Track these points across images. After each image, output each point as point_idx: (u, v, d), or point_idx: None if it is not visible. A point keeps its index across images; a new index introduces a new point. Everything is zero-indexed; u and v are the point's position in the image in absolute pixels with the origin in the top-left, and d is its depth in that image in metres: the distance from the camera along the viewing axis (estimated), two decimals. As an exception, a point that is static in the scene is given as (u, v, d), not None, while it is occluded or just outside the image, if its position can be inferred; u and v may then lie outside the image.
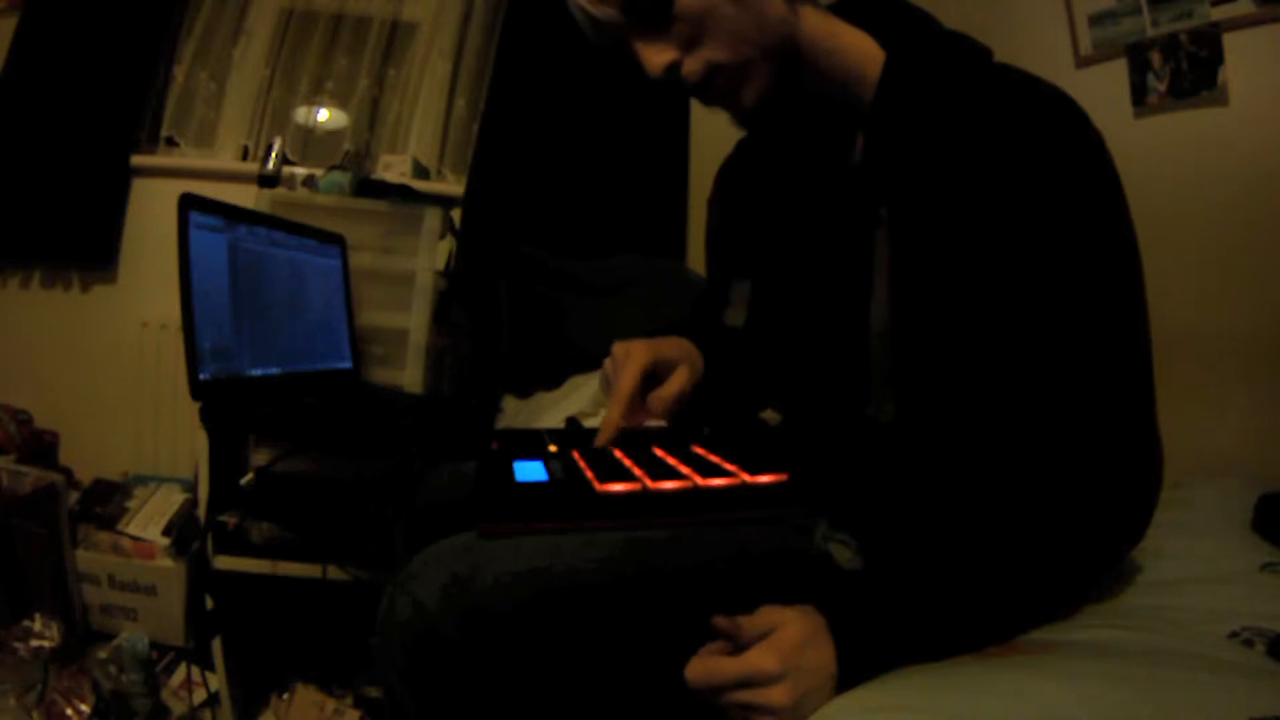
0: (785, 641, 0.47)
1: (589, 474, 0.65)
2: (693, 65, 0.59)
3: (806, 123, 0.67)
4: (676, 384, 0.73)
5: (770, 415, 0.91)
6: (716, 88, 0.61)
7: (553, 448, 0.76)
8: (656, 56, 0.59)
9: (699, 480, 0.64)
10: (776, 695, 0.46)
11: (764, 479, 0.65)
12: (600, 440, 0.66)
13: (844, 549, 0.62)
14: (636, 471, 0.66)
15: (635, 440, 0.79)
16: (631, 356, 0.71)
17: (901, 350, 0.60)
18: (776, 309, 0.74)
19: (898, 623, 0.50)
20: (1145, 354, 0.55)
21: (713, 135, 2.16)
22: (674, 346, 0.76)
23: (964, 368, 0.59)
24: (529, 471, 0.67)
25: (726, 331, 0.79)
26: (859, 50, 0.62)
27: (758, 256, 0.76)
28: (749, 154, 0.81)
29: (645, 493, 0.62)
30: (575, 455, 0.72)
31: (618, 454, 0.72)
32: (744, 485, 0.64)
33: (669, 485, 0.63)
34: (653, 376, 0.73)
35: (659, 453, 0.73)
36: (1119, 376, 0.54)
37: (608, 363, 0.75)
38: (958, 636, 0.51)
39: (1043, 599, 0.55)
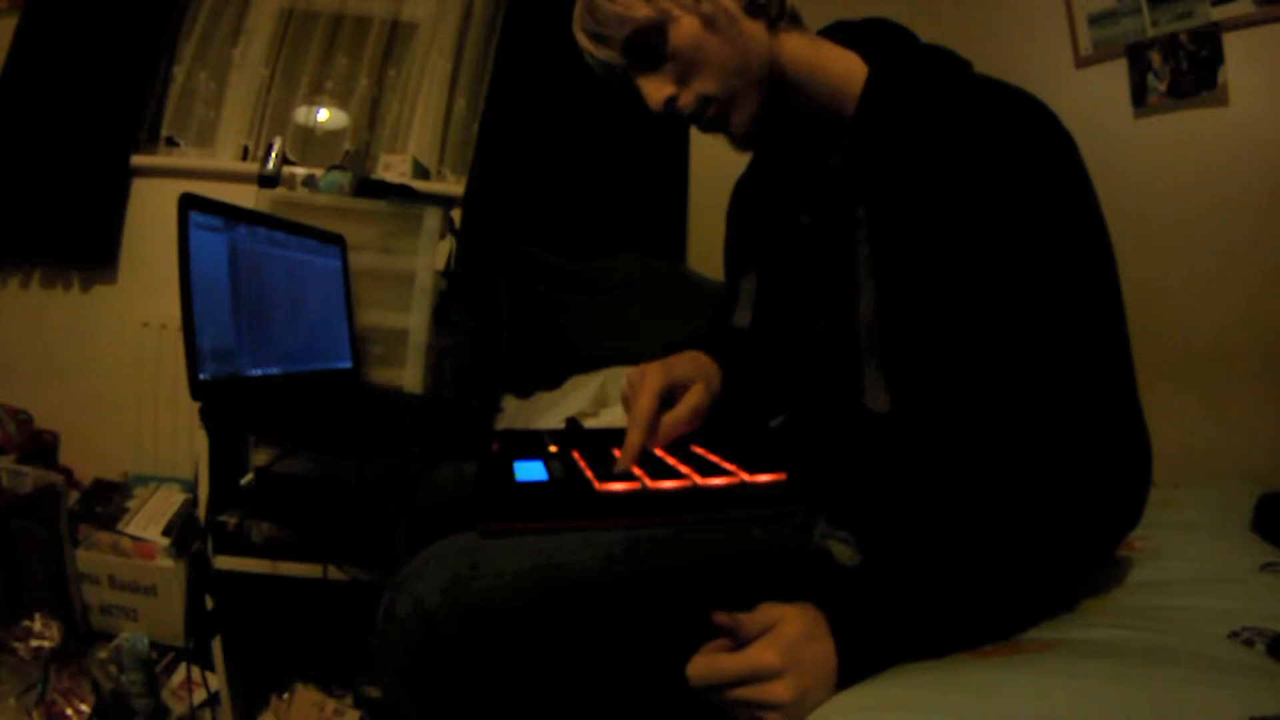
0: (786, 637, 0.48)
1: (589, 473, 0.66)
2: (687, 98, 0.66)
3: (796, 138, 0.72)
4: (688, 404, 0.73)
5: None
6: (709, 117, 0.67)
7: (553, 448, 0.76)
8: (656, 92, 0.66)
9: (698, 479, 0.64)
10: (779, 690, 0.46)
11: (762, 478, 0.65)
12: (621, 465, 0.66)
13: (844, 547, 0.62)
14: (636, 470, 0.66)
15: None
16: (647, 378, 0.71)
17: (890, 341, 0.64)
18: (777, 309, 0.78)
19: (897, 619, 0.50)
20: (1122, 336, 0.58)
21: (713, 135, 2.16)
22: (688, 364, 0.76)
23: (949, 356, 0.61)
24: (529, 471, 0.67)
25: (736, 333, 0.82)
26: (843, 68, 0.68)
27: (762, 260, 0.80)
28: (758, 168, 0.86)
29: (645, 492, 0.62)
30: (575, 455, 0.72)
31: (617, 454, 0.72)
32: (743, 484, 0.64)
33: (668, 484, 0.63)
34: (669, 397, 0.73)
35: (658, 452, 0.73)
36: (1097, 356, 0.56)
37: (626, 387, 0.76)
38: (957, 632, 0.51)
39: (1042, 588, 0.56)
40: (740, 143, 0.71)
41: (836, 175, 0.69)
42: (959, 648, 0.50)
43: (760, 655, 0.47)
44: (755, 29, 0.65)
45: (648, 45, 0.64)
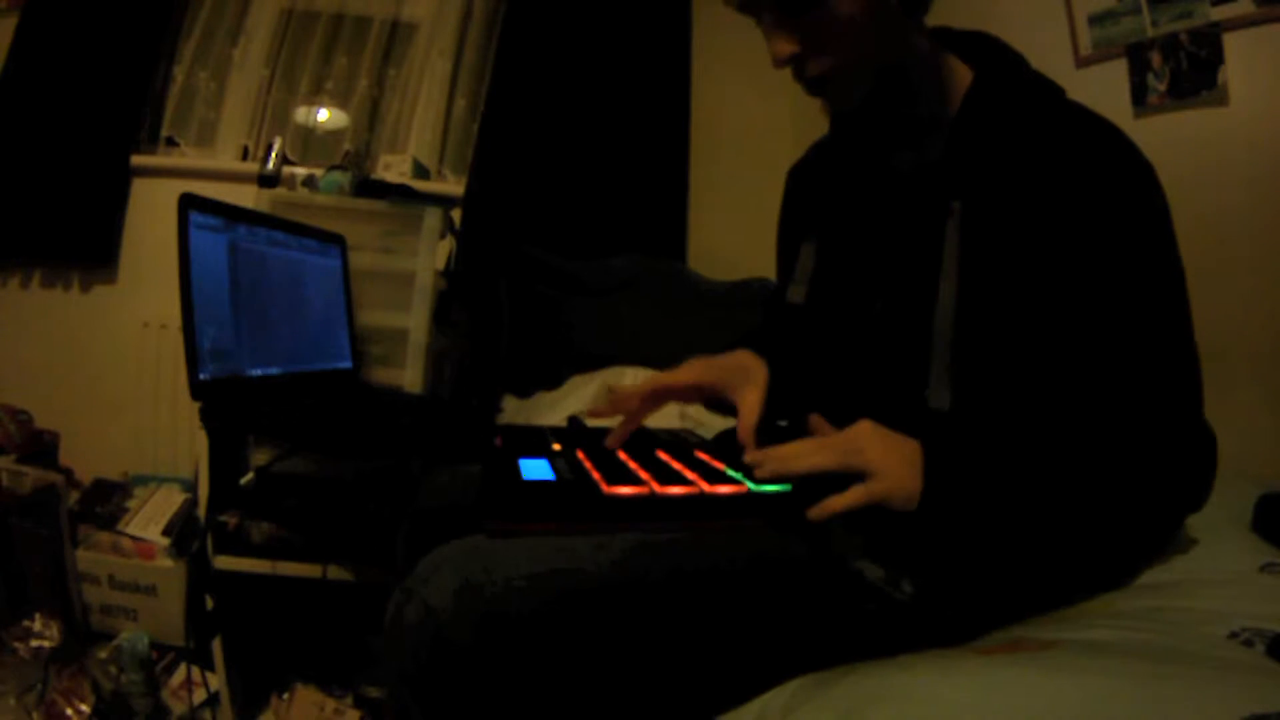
0: (869, 426, 0.59)
1: (595, 475, 0.65)
2: (815, 68, 0.64)
3: (892, 125, 0.72)
4: (755, 410, 0.74)
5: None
6: (827, 89, 0.66)
7: (556, 446, 0.76)
8: (783, 46, 0.64)
9: (705, 487, 0.64)
10: (869, 455, 0.56)
11: (768, 488, 0.65)
12: (610, 443, 0.70)
13: (858, 552, 0.62)
14: (643, 475, 0.65)
15: (639, 443, 0.79)
16: (684, 369, 0.76)
17: (964, 334, 0.64)
18: (835, 287, 0.77)
19: (983, 456, 0.57)
20: (1192, 352, 0.61)
21: (713, 135, 2.17)
22: (734, 364, 0.78)
23: (1022, 352, 0.63)
24: (535, 470, 0.67)
25: (789, 311, 0.82)
26: (951, 71, 0.70)
27: (823, 238, 0.80)
28: (823, 154, 0.86)
29: (653, 497, 0.61)
30: (580, 455, 0.72)
31: (623, 456, 0.72)
32: (749, 494, 0.64)
33: (676, 490, 0.62)
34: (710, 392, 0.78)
35: (663, 456, 0.73)
36: (1171, 361, 0.60)
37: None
38: (1030, 506, 0.56)
39: (1109, 525, 0.59)
40: (841, 116, 0.71)
41: (932, 166, 0.70)
42: (1025, 531, 0.57)
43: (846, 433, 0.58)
44: (902, 22, 0.65)
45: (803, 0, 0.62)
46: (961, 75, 0.69)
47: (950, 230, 0.65)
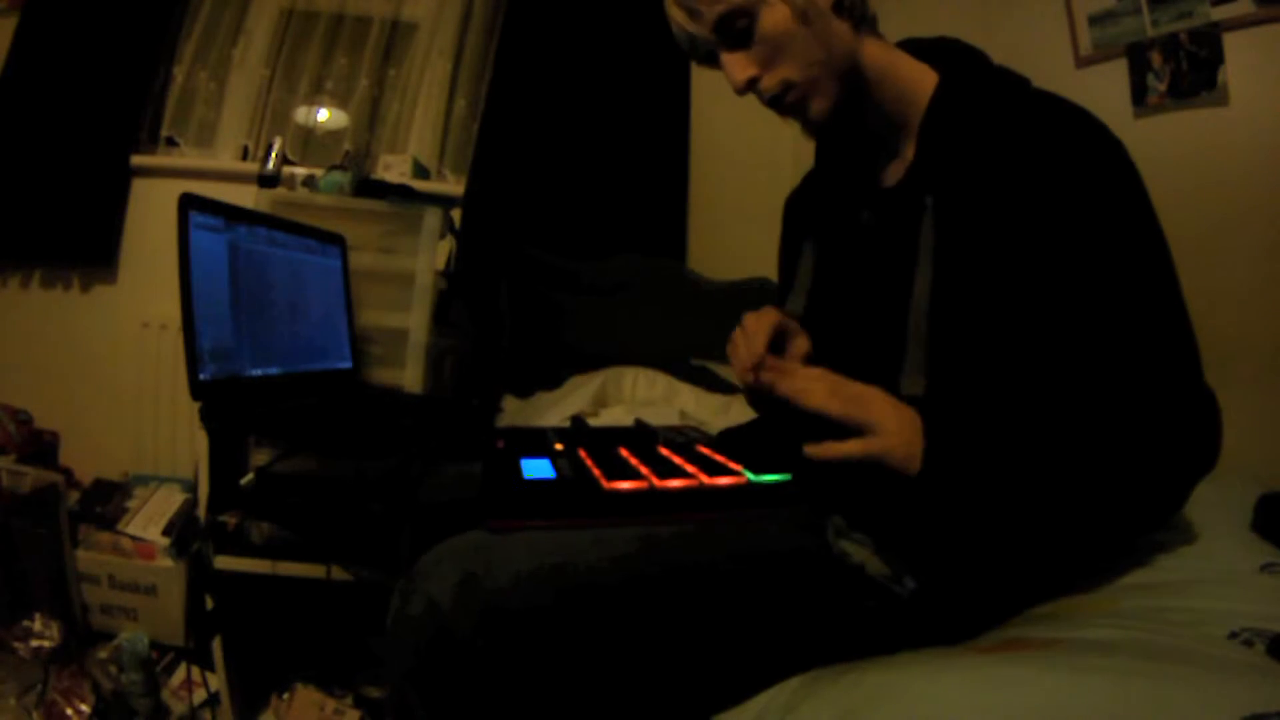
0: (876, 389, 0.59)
1: (596, 472, 0.66)
2: (770, 81, 0.68)
3: (865, 134, 0.75)
4: (806, 342, 0.75)
5: None
6: (789, 102, 0.69)
7: (558, 445, 0.76)
8: (740, 72, 0.68)
9: (704, 479, 0.64)
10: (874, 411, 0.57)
11: (768, 478, 0.65)
12: (746, 375, 0.67)
13: (860, 548, 0.62)
14: (643, 470, 0.66)
15: (641, 440, 0.80)
16: (763, 314, 0.74)
17: (938, 323, 0.65)
18: (830, 295, 0.79)
19: (982, 431, 0.57)
20: (1183, 314, 0.62)
21: (713, 136, 2.17)
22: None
23: (995, 339, 0.63)
24: (536, 469, 0.67)
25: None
26: (915, 75, 0.72)
27: (818, 252, 0.82)
28: (813, 180, 0.89)
29: (652, 491, 0.62)
30: (582, 453, 0.72)
31: (624, 452, 0.73)
32: (749, 484, 0.64)
33: (675, 484, 0.63)
34: (780, 337, 0.75)
35: (664, 451, 0.74)
36: (1160, 325, 0.61)
37: (738, 330, 0.75)
38: (1032, 470, 0.57)
39: (1112, 506, 0.59)
40: (815, 131, 0.73)
41: (906, 168, 0.72)
42: (1030, 497, 0.57)
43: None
44: (841, 28, 0.67)
45: (738, 26, 0.66)
46: (927, 79, 0.72)
47: (925, 225, 0.67)
